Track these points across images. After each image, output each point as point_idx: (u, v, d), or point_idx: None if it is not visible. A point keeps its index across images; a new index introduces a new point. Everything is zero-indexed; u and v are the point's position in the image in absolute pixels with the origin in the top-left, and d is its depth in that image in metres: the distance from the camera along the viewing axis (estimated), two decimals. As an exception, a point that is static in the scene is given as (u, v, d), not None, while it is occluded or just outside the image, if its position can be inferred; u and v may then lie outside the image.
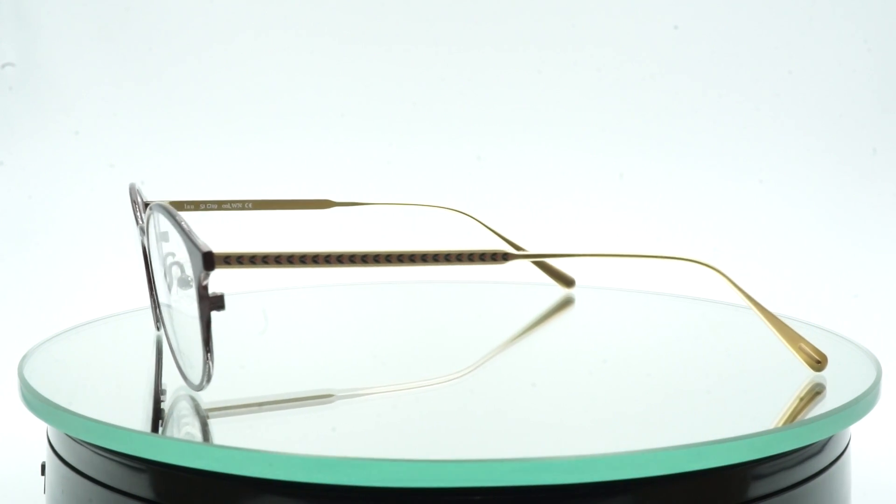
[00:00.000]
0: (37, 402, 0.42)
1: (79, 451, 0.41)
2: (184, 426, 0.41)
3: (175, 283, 0.43)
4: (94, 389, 0.45)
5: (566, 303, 0.61)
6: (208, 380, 0.41)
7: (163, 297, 0.45)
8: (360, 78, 0.82)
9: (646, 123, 0.81)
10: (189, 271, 0.40)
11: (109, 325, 0.54)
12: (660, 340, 0.54)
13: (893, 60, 0.80)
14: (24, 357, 0.47)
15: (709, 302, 0.58)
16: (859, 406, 0.42)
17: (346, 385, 0.46)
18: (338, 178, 0.81)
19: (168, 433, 0.40)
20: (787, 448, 0.39)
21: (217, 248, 0.39)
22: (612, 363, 0.50)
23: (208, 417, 0.42)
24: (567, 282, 0.60)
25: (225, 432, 0.41)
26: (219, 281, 0.58)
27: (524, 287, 0.65)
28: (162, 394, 0.44)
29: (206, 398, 0.43)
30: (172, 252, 0.43)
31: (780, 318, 0.46)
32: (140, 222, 0.47)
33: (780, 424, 0.40)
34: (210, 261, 0.39)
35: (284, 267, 0.40)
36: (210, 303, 0.39)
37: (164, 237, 0.43)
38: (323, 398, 0.44)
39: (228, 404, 0.43)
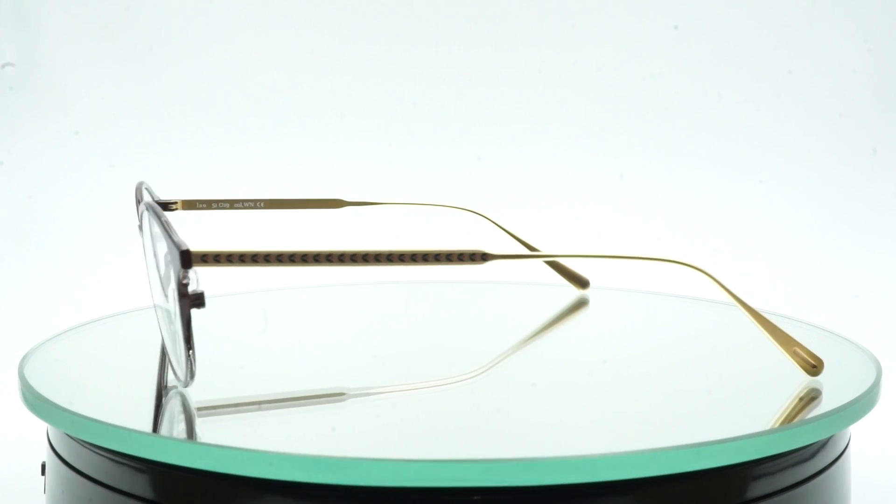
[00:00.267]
0: (37, 402, 0.42)
1: (79, 451, 0.41)
2: (184, 426, 0.41)
3: (164, 281, 0.43)
4: (94, 389, 0.45)
5: (566, 303, 0.61)
6: (192, 376, 0.41)
7: (157, 295, 0.45)
8: (360, 78, 0.82)
9: (646, 123, 0.81)
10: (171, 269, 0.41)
11: (109, 325, 0.54)
12: (660, 340, 0.54)
13: (893, 60, 0.80)
14: (24, 357, 0.47)
15: (709, 302, 0.58)
16: (859, 406, 0.42)
17: (345, 384, 0.46)
18: (338, 177, 0.81)
19: (168, 433, 0.40)
20: (787, 448, 0.39)
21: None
22: (612, 363, 0.50)
23: (208, 417, 0.42)
24: (581, 283, 0.60)
25: (225, 432, 0.41)
26: (219, 281, 0.58)
27: (525, 287, 0.65)
28: (162, 393, 0.44)
29: (207, 398, 0.43)
30: (166, 251, 0.43)
31: (772, 321, 0.46)
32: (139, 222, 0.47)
33: (779, 424, 0.40)
34: (187, 259, 0.39)
35: (261, 265, 0.40)
36: (190, 300, 0.40)
37: (158, 237, 0.43)
38: (335, 396, 0.44)
39: (228, 404, 0.43)
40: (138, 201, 0.48)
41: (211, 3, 0.81)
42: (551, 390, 0.46)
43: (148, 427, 0.41)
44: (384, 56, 0.82)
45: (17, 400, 0.44)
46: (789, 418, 0.41)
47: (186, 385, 0.42)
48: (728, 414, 0.43)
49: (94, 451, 0.41)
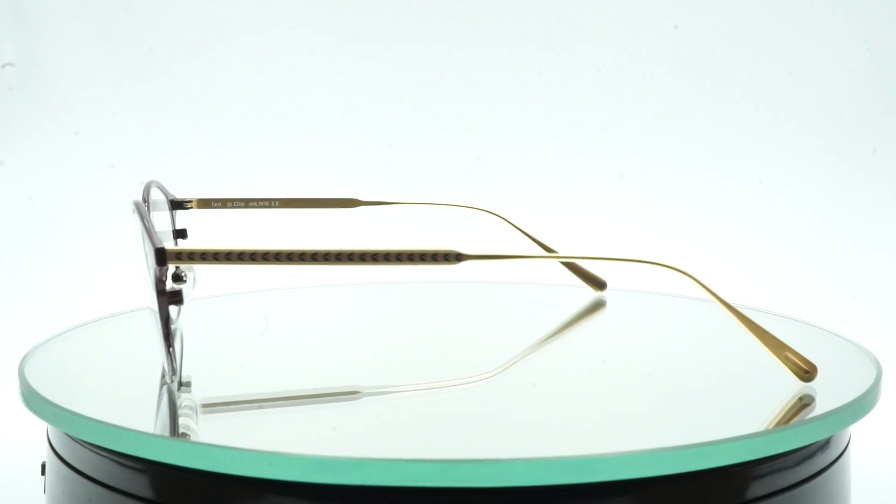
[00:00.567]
0: (37, 402, 0.42)
1: (79, 451, 0.41)
2: (184, 425, 0.41)
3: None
4: (94, 389, 0.45)
5: (567, 304, 0.61)
6: (172, 373, 0.42)
7: (148, 295, 0.45)
8: (360, 78, 0.82)
9: (646, 123, 0.81)
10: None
11: (109, 325, 0.54)
12: (660, 340, 0.54)
13: (893, 60, 0.80)
14: (25, 357, 0.47)
15: (708, 302, 0.58)
16: (859, 406, 0.42)
17: (345, 384, 0.46)
18: (338, 177, 0.81)
19: (168, 433, 0.40)
20: (787, 448, 0.39)
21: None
22: (612, 363, 0.50)
23: (209, 417, 0.42)
24: (598, 284, 0.60)
25: (225, 432, 0.41)
26: (219, 281, 0.58)
27: (524, 288, 0.65)
28: (163, 394, 0.44)
29: (207, 397, 0.43)
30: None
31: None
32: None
33: (779, 425, 0.40)
34: (162, 256, 0.40)
35: (234, 263, 0.41)
36: (168, 298, 0.41)
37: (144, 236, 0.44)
38: (349, 395, 0.44)
39: (228, 402, 0.43)
40: (144, 200, 0.48)
41: (211, 3, 0.81)
42: (551, 390, 0.46)
43: (148, 427, 0.41)
44: (384, 56, 0.82)
45: (17, 400, 0.44)
46: (789, 418, 0.41)
47: (171, 382, 0.42)
48: (728, 414, 0.43)
49: (94, 451, 0.41)
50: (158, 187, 0.51)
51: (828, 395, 0.42)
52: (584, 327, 0.57)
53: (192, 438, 0.40)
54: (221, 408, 0.43)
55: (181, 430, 0.41)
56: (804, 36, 0.81)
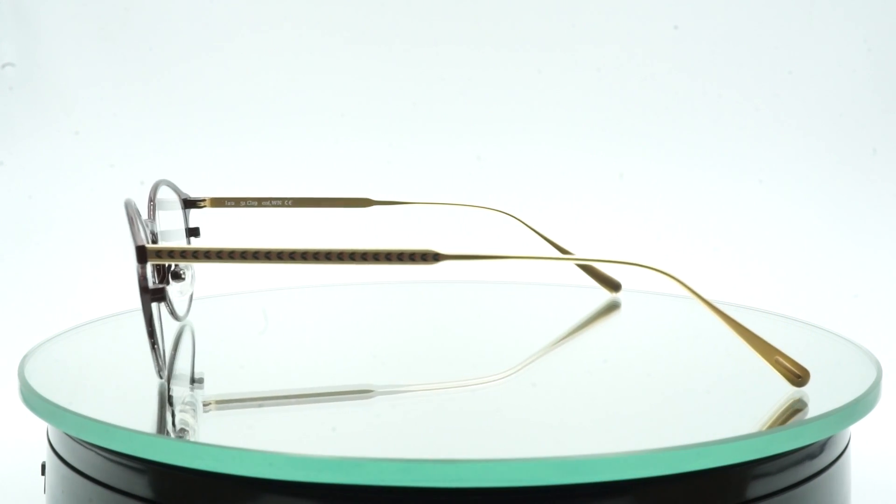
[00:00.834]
0: (37, 402, 0.42)
1: (79, 451, 0.41)
2: (184, 425, 0.41)
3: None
4: (94, 389, 0.45)
5: (567, 305, 0.61)
6: (158, 370, 0.43)
7: None
8: (360, 78, 0.82)
9: (646, 123, 0.81)
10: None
11: (109, 325, 0.54)
12: (660, 340, 0.54)
13: (893, 60, 0.80)
14: (25, 357, 0.47)
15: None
16: (859, 406, 0.42)
17: (345, 384, 0.46)
18: (338, 177, 0.81)
19: (168, 433, 0.40)
20: (787, 448, 0.39)
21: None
22: (612, 363, 0.50)
23: (209, 416, 0.42)
24: (613, 286, 0.60)
25: (225, 431, 0.41)
26: (219, 281, 0.58)
27: (524, 288, 0.65)
28: (163, 393, 0.44)
29: (207, 397, 0.43)
30: None
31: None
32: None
33: (779, 425, 0.40)
34: (142, 254, 0.41)
35: (213, 261, 0.42)
36: (150, 295, 0.42)
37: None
38: (363, 393, 0.44)
39: (228, 402, 0.43)
40: (150, 199, 0.49)
41: (211, 3, 0.81)
42: (551, 390, 0.46)
43: (148, 427, 0.41)
44: (384, 56, 0.82)
45: (17, 400, 0.44)
46: (789, 419, 0.41)
47: (161, 378, 0.43)
48: (728, 414, 0.43)
49: (94, 451, 0.41)
50: (170, 186, 0.52)
51: (828, 395, 0.42)
52: (585, 327, 0.57)
53: (191, 435, 0.40)
54: (221, 404, 0.43)
55: (179, 425, 0.41)
56: (804, 36, 0.81)
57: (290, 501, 0.37)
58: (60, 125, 0.80)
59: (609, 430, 0.41)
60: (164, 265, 0.46)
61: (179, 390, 0.44)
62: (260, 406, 0.43)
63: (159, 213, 0.48)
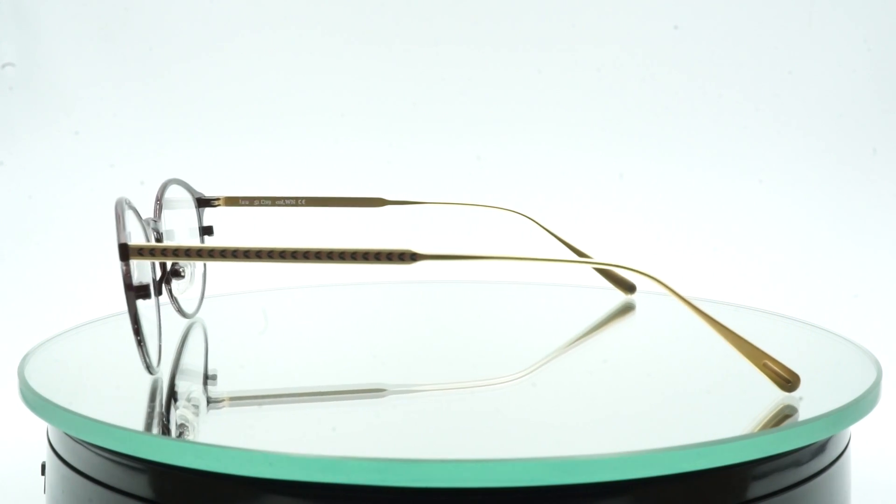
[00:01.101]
0: (37, 402, 0.42)
1: (79, 451, 0.41)
2: (185, 425, 0.41)
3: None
4: (94, 389, 0.45)
5: (569, 306, 0.61)
6: (146, 366, 0.43)
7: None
8: (360, 78, 0.82)
9: (646, 123, 0.81)
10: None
11: (109, 325, 0.54)
12: (660, 340, 0.54)
13: (893, 60, 0.80)
14: (25, 357, 0.47)
15: (708, 302, 0.58)
16: (859, 406, 0.42)
17: (344, 384, 0.46)
18: (338, 177, 0.81)
19: (168, 433, 0.40)
20: (786, 448, 0.39)
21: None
22: (612, 363, 0.50)
23: (209, 416, 0.42)
24: (628, 287, 0.59)
25: (226, 431, 0.41)
26: (219, 281, 0.58)
27: (524, 288, 0.65)
28: (163, 392, 0.44)
29: (207, 397, 0.43)
30: None
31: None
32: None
33: (779, 425, 0.40)
34: (125, 252, 0.43)
35: (193, 259, 0.43)
36: (135, 292, 0.42)
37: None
38: (375, 392, 0.44)
39: (228, 400, 0.43)
40: (157, 199, 0.49)
41: (211, 2, 0.81)
42: (551, 390, 0.46)
43: (148, 427, 0.41)
44: (384, 56, 0.82)
45: (17, 400, 0.44)
46: (789, 419, 0.41)
47: (152, 373, 0.43)
48: (728, 414, 0.43)
49: (94, 451, 0.41)
50: (183, 186, 0.52)
51: (827, 395, 0.42)
52: (582, 327, 0.57)
53: (191, 431, 0.40)
54: (221, 403, 0.43)
55: (178, 421, 0.41)
56: (804, 36, 0.81)
57: (290, 501, 0.37)
58: (60, 125, 0.80)
59: (609, 430, 0.41)
60: (164, 264, 0.47)
61: (180, 390, 0.44)
62: (260, 406, 0.43)
63: (172, 213, 0.49)
